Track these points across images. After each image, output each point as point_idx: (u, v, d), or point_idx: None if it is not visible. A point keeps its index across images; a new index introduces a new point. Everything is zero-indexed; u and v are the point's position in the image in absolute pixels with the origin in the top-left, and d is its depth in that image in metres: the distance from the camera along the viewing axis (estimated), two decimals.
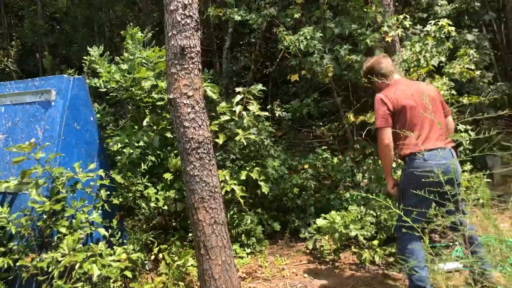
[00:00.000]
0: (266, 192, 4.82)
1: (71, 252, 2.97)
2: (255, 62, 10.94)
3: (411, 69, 5.01)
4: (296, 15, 5.66)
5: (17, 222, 3.11)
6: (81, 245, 3.08)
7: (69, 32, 9.11)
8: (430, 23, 5.12)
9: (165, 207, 4.28)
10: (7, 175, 3.61)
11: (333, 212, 4.70)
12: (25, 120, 3.71)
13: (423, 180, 2.79)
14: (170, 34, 3.18)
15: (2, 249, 3.15)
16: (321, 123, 10.16)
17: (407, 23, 5.37)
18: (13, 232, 3.06)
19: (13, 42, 5.96)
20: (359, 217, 4.67)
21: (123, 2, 10.32)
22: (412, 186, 3.06)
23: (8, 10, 14.12)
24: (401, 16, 5.36)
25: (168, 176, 4.37)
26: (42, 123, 3.59)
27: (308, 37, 5.21)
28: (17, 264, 2.99)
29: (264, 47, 13.33)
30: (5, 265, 2.99)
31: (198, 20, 3.25)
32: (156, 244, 4.26)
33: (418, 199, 2.89)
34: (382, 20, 5.35)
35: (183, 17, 3.16)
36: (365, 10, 5.39)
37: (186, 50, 3.18)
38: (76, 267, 2.91)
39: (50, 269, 2.90)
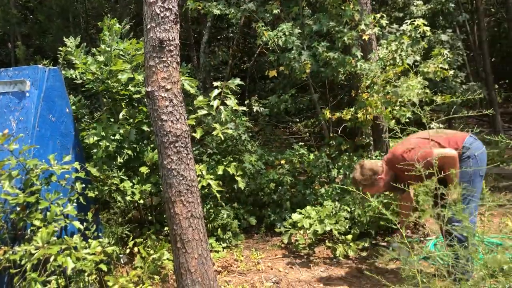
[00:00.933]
0: (242, 187, 4.84)
1: (45, 245, 2.93)
2: (233, 57, 10.93)
3: (387, 67, 5.10)
4: (275, 11, 5.69)
5: None
6: (55, 238, 3.04)
7: (44, 22, 8.90)
8: (406, 23, 5.23)
9: (141, 201, 4.26)
10: None
11: (308, 207, 4.77)
12: None
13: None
14: (149, 26, 3.15)
15: None
16: (297, 119, 10.24)
17: (383, 22, 5.46)
18: None
19: None
20: (334, 212, 4.74)
21: None
22: (480, 169, 3.35)
23: None
24: (378, 15, 5.45)
25: (144, 170, 4.34)
26: (16, 114, 3.52)
27: (287, 33, 5.24)
28: None
29: (242, 42, 13.32)
30: None
31: (178, 13, 3.23)
32: (131, 238, 4.23)
33: (481, 180, 3.39)
34: (359, 19, 5.42)
35: (162, 10, 3.13)
36: (343, 8, 5.45)
37: (165, 43, 3.15)
38: (51, 259, 2.87)
39: (23, 262, 2.86)
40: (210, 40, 11.29)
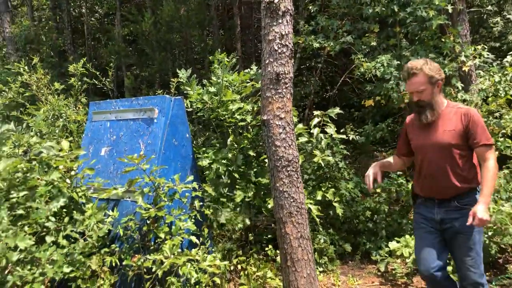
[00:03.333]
0: (340, 213, 4.96)
1: (172, 255, 3.28)
2: (316, 85, 11.17)
3: (489, 99, 5.05)
4: (373, 43, 5.85)
5: (125, 226, 3.47)
6: (180, 250, 3.38)
7: (150, 54, 9.81)
8: (511, 54, 5.16)
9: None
10: (110, 183, 4.01)
11: (407, 236, 4.78)
12: (128, 135, 4.12)
13: None
14: (267, 61, 3.47)
15: (107, 249, 3.50)
16: (382, 149, 10.19)
17: (484, 53, 5.43)
18: (121, 234, 3.42)
19: (111, 64, 6.58)
20: None
21: (198, 28, 10.91)
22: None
23: (88, 32, 15.32)
24: (479, 47, 5.42)
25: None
26: (144, 137, 3.98)
27: (385, 64, 5.37)
28: (123, 263, 3.33)
29: (324, 71, 13.52)
30: (113, 264, 3.33)
31: (293, 49, 3.53)
32: (235, 256, 4.51)
33: None
34: (460, 50, 5.44)
35: (279, 46, 3.45)
36: (442, 40, 5.50)
37: (281, 76, 3.45)
38: (188, 267, 3.20)
39: (154, 269, 3.21)
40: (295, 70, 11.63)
